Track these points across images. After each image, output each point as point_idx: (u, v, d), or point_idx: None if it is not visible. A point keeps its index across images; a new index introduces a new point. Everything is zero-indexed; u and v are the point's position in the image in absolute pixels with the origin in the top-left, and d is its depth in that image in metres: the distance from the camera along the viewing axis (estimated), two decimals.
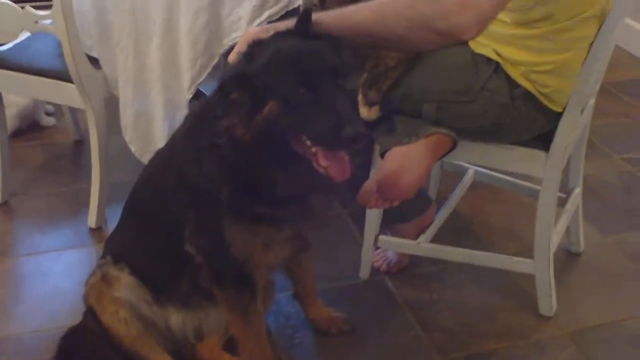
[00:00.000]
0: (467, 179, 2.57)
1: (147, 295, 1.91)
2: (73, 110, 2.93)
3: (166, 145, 1.89)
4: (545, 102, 1.94)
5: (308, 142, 1.54)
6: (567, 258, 2.45)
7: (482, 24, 1.62)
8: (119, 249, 1.96)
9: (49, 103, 3.14)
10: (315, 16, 1.63)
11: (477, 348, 2.10)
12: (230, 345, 1.99)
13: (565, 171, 2.35)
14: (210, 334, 2.00)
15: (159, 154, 1.91)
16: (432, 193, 2.64)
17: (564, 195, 2.36)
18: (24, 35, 2.60)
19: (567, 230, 2.44)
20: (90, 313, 1.91)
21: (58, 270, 2.33)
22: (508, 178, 2.50)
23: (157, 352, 1.91)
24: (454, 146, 2.00)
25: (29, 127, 3.07)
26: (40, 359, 1.95)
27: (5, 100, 2.65)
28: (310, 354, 2.09)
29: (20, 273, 2.37)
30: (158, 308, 1.93)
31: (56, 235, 2.51)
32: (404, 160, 1.94)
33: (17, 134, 3.02)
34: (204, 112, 1.74)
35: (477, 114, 1.94)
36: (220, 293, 1.81)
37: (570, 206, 2.33)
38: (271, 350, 1.91)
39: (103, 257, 1.98)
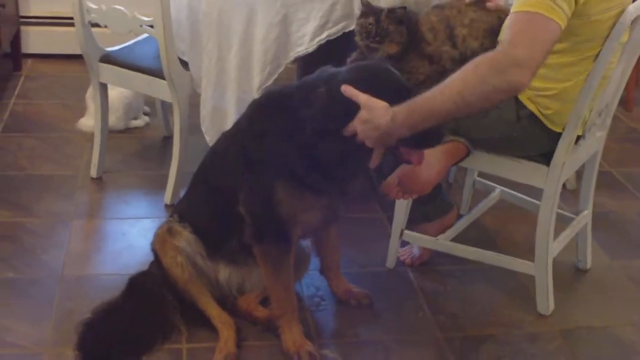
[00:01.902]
0: (494, 196, 2.91)
1: (202, 250, 2.33)
2: (165, 111, 3.42)
3: (232, 127, 2.33)
4: (547, 123, 2.29)
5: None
6: (573, 273, 2.75)
7: (533, 76, 1.99)
8: (185, 210, 2.40)
9: (146, 104, 3.65)
10: (392, 114, 1.96)
11: (474, 332, 2.43)
12: (264, 304, 2.39)
13: (577, 195, 2.70)
14: (251, 291, 2.40)
15: (225, 133, 2.35)
16: (463, 208, 2.99)
17: (573, 216, 2.69)
18: (132, 40, 3.11)
19: (576, 248, 2.75)
20: (154, 256, 2.35)
21: (134, 233, 2.78)
22: (533, 200, 2.82)
23: (205, 295, 2.31)
24: (468, 154, 2.37)
25: None
26: (111, 294, 2.37)
27: (110, 102, 3.20)
28: (330, 318, 2.47)
29: (104, 231, 2.85)
30: (210, 262, 2.34)
31: (137, 206, 3.00)
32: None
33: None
34: (265, 100, 2.22)
35: (488, 127, 2.31)
36: (259, 247, 2.21)
37: (576, 223, 2.64)
38: (296, 305, 2.29)
39: (171, 215, 2.42)
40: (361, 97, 1.99)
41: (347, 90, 2.00)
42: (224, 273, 2.36)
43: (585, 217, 2.69)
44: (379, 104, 1.98)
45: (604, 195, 3.20)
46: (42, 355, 2.19)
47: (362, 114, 1.99)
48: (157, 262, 2.34)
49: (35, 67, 4.16)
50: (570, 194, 3.18)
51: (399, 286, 2.62)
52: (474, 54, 2.37)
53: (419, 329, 2.42)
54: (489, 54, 2.02)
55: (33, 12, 4.17)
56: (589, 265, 2.77)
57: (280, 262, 2.22)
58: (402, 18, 2.37)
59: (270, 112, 2.16)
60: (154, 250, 2.35)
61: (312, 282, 2.57)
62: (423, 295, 2.57)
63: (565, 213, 2.71)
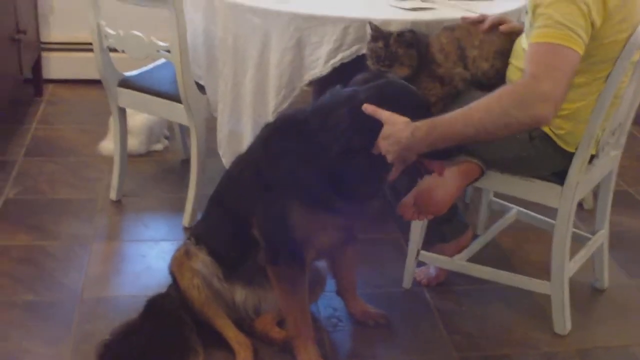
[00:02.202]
0: (510, 216, 2.92)
1: (218, 272, 2.36)
2: (183, 134, 3.47)
3: (246, 150, 2.36)
4: (560, 143, 2.30)
5: None
6: (591, 292, 2.75)
7: (557, 110, 2.04)
8: (201, 232, 2.43)
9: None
10: (412, 129, 2.02)
11: (491, 351, 2.43)
12: (281, 325, 2.40)
13: (594, 215, 2.70)
14: (267, 312, 2.42)
15: (239, 157, 2.38)
16: (479, 228, 3.00)
17: (590, 236, 2.69)
18: (150, 65, 3.16)
19: (593, 268, 2.75)
20: (172, 279, 2.38)
21: (153, 255, 2.81)
22: (549, 220, 2.83)
23: (221, 317, 2.34)
24: (482, 174, 2.39)
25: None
26: (129, 316, 2.39)
27: (134, 127, 3.26)
28: (347, 338, 2.48)
29: (123, 253, 2.88)
30: (226, 284, 2.37)
31: (155, 228, 3.03)
32: (438, 181, 2.33)
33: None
34: (279, 123, 2.26)
35: (501, 147, 2.32)
36: (273, 268, 2.24)
37: (592, 243, 2.64)
38: (312, 326, 2.30)
39: (188, 238, 2.45)
40: (383, 114, 2.04)
41: (369, 108, 2.04)
42: (240, 294, 2.38)
43: (602, 236, 2.69)
44: (400, 119, 2.04)
45: (622, 214, 3.20)
46: None
47: (385, 130, 2.03)
48: (174, 284, 2.37)
49: (56, 92, 4.23)
50: (587, 214, 3.18)
51: (415, 306, 2.63)
52: (485, 75, 2.42)
53: (436, 349, 2.43)
54: (513, 86, 2.08)
55: (54, 38, 4.25)
56: (606, 285, 2.76)
57: (295, 283, 2.24)
58: (412, 41, 2.40)
59: (284, 135, 2.19)
60: (171, 273, 2.38)
61: (329, 303, 2.59)
62: (439, 315, 2.58)
63: (582, 233, 2.72)
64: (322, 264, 2.50)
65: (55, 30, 4.25)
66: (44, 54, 4.21)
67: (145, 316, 2.35)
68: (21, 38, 3.63)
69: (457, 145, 2.09)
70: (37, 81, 4.16)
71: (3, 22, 3.48)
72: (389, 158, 2.05)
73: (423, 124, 2.03)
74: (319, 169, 2.10)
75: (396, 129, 2.02)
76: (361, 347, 2.43)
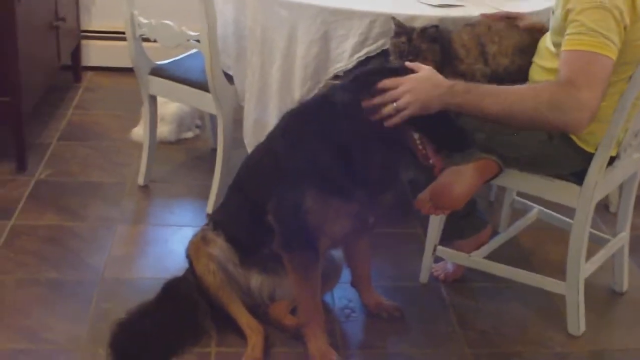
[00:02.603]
0: (531, 215, 2.92)
1: (235, 257, 2.40)
2: (213, 124, 3.51)
3: (265, 137, 2.40)
4: (579, 143, 2.30)
5: (418, 141, 2.09)
6: (609, 295, 2.73)
7: (591, 119, 2.09)
8: (220, 219, 2.47)
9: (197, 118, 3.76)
10: (445, 93, 2.08)
11: (503, 349, 2.43)
12: (294, 313, 2.43)
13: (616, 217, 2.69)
14: (282, 298, 2.45)
15: (259, 144, 2.42)
16: (502, 227, 3.00)
17: (610, 237, 2.68)
18: (181, 55, 3.22)
19: (612, 271, 2.73)
20: (188, 263, 2.43)
21: (175, 240, 2.86)
22: (570, 220, 2.80)
23: (235, 302, 2.37)
24: (499, 171, 2.39)
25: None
26: (147, 297, 2.43)
27: (166, 115, 3.35)
28: (359, 329, 2.51)
29: (147, 237, 2.95)
30: (242, 270, 2.41)
31: (180, 214, 3.09)
32: (455, 177, 2.34)
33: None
34: (297, 110, 2.29)
35: (520, 145, 2.33)
36: (287, 255, 2.27)
37: (612, 245, 2.62)
38: (323, 314, 2.32)
39: (207, 224, 2.49)
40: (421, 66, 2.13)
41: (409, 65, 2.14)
42: (255, 280, 2.42)
43: (622, 239, 2.67)
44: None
45: None
46: (75, 352, 2.27)
47: (426, 71, 2.11)
48: (191, 268, 2.42)
49: (94, 80, 4.32)
50: (612, 216, 3.15)
51: (430, 301, 2.65)
52: (506, 71, 2.43)
53: (448, 344, 2.44)
54: (552, 87, 2.10)
55: (94, 27, 4.34)
56: (625, 288, 2.74)
57: (308, 271, 2.27)
58: (435, 36, 2.41)
59: (301, 120, 2.23)
60: (188, 257, 2.42)
61: (344, 294, 2.61)
62: (454, 311, 2.59)
63: (602, 234, 2.71)
64: (338, 254, 2.53)
65: (95, 19, 4.35)
66: (84, 42, 4.31)
67: (161, 298, 2.40)
68: (60, 25, 3.71)
69: (461, 137, 2.12)
70: (76, 68, 4.25)
71: (43, 9, 3.56)
72: (407, 110, 2.05)
73: (462, 83, 2.11)
74: (337, 155, 2.13)
75: (437, 76, 2.10)
76: (372, 339, 2.46)
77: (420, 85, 2.08)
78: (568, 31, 2.11)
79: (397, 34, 2.46)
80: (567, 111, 2.05)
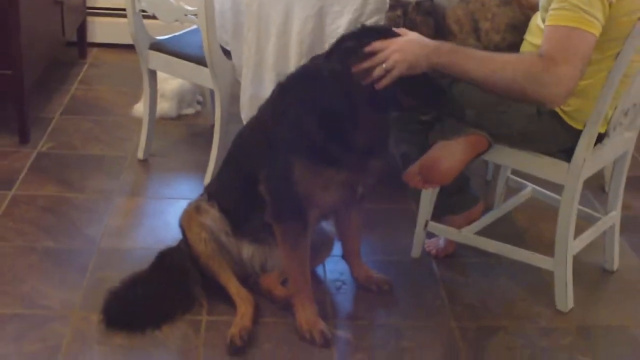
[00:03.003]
0: (524, 193, 2.94)
1: (227, 227, 2.44)
2: (213, 100, 3.53)
3: (258, 110, 2.43)
4: (567, 119, 2.32)
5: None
6: (600, 273, 2.75)
7: (568, 95, 2.13)
8: (214, 190, 2.51)
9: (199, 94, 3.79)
10: (431, 52, 2.12)
11: (489, 322, 2.46)
12: (285, 285, 2.47)
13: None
14: (273, 269, 2.49)
15: (252, 117, 2.46)
16: (496, 205, 3.01)
17: (600, 216, 2.70)
18: (181, 31, 3.26)
19: (603, 249, 2.76)
20: (181, 232, 2.47)
21: (172, 212, 2.87)
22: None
23: (225, 271, 2.42)
24: (489, 147, 2.42)
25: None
26: (141, 266, 2.48)
27: (167, 91, 3.41)
28: (349, 301, 2.55)
29: (144, 209, 2.99)
30: (234, 239, 2.45)
31: (177, 188, 3.13)
32: (444, 151, 2.37)
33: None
34: (286, 80, 2.32)
35: (509, 122, 2.35)
36: (278, 226, 2.31)
37: (601, 223, 2.64)
38: (311, 285, 2.36)
39: (202, 194, 2.54)
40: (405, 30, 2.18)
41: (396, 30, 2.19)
42: (247, 251, 2.46)
43: (613, 218, 2.69)
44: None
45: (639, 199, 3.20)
46: (68, 317, 2.32)
47: (413, 35, 2.15)
48: (183, 237, 2.46)
49: (99, 56, 4.36)
50: (607, 197, 3.17)
51: (421, 275, 2.68)
52: (497, 48, 2.45)
53: (435, 317, 2.47)
54: (531, 60, 2.12)
55: (100, 4, 4.38)
56: (615, 267, 2.76)
57: (297, 242, 2.31)
58: (430, 10, 2.43)
59: (289, 90, 2.27)
60: (181, 226, 2.47)
61: (335, 267, 2.65)
62: (443, 286, 2.62)
63: (594, 213, 2.73)
64: (330, 227, 2.57)
65: None
66: (90, 19, 4.34)
67: (154, 267, 2.45)
68: (64, 1, 3.75)
69: (439, 96, 2.21)
70: (81, 44, 4.29)
71: None
72: (396, 70, 2.08)
73: (448, 44, 2.17)
74: (324, 123, 2.17)
75: (423, 38, 2.14)
76: (361, 310, 2.50)
77: (407, 45, 2.11)
78: (551, 6, 2.13)
79: (392, 7, 2.48)
80: (544, 85, 2.07)
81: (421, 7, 2.44)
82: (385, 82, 2.09)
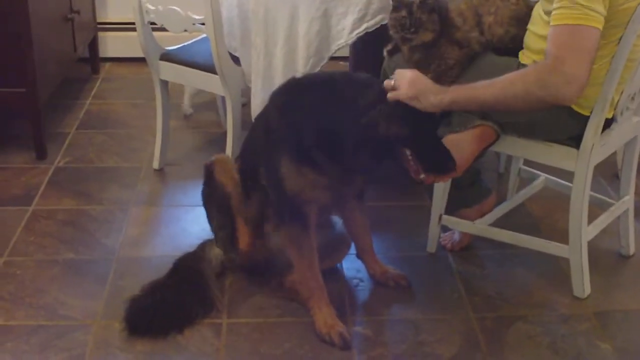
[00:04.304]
0: (537, 183, 2.95)
1: None
2: (226, 107, 3.58)
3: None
4: (574, 107, 2.32)
5: (410, 157, 2.18)
6: (616, 259, 2.76)
7: (582, 91, 2.17)
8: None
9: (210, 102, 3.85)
10: (449, 91, 2.20)
11: (507, 312, 2.48)
12: None
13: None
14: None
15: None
16: (509, 196, 3.03)
17: (613, 202, 2.71)
18: (190, 40, 3.30)
19: (619, 235, 2.76)
20: (206, 174, 2.58)
21: (188, 219, 2.94)
22: None
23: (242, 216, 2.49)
24: (497, 138, 2.43)
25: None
26: (160, 273, 2.52)
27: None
28: (366, 297, 2.57)
29: (161, 217, 3.03)
30: None
31: (193, 195, 3.07)
32: (453, 145, 2.37)
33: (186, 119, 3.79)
34: (288, 83, 2.40)
35: (516, 111, 2.37)
36: (283, 227, 2.36)
37: (615, 209, 2.65)
38: (324, 286, 2.37)
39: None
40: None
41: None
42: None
43: (627, 202, 2.70)
44: (428, 81, 2.24)
45: None
46: (90, 326, 2.36)
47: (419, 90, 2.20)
48: (209, 179, 2.56)
49: (112, 70, 4.42)
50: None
51: (437, 269, 2.70)
52: (501, 41, 2.47)
53: (452, 309, 2.49)
54: (537, 67, 2.17)
55: (110, 19, 4.44)
56: (632, 252, 2.77)
57: (301, 242, 2.34)
58: (433, 6, 2.45)
59: (291, 90, 2.33)
60: (208, 168, 2.56)
61: (352, 265, 2.67)
62: (460, 278, 2.64)
63: (607, 199, 2.74)
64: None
65: (111, 11, 4.45)
66: (101, 34, 4.40)
67: (172, 273, 2.48)
68: (74, 18, 3.80)
69: (445, 159, 2.22)
70: (93, 60, 4.35)
71: (57, 2, 3.66)
72: (403, 92, 2.18)
73: (451, 92, 2.19)
74: (322, 135, 2.21)
75: (426, 97, 2.18)
76: (379, 306, 2.52)
77: (420, 78, 2.20)
78: (553, 7, 2.16)
79: (396, 9, 2.50)
80: (557, 86, 2.11)
81: (425, 4, 2.45)
82: (390, 96, 2.16)
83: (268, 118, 2.35)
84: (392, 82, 2.21)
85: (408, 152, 2.18)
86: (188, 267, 2.50)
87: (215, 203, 2.53)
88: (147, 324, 2.33)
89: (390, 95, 2.17)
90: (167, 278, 2.46)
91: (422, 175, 2.21)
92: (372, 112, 2.13)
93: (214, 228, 2.60)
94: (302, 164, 2.24)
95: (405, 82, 2.19)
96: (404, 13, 2.48)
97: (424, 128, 2.19)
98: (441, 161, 2.21)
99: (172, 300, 2.38)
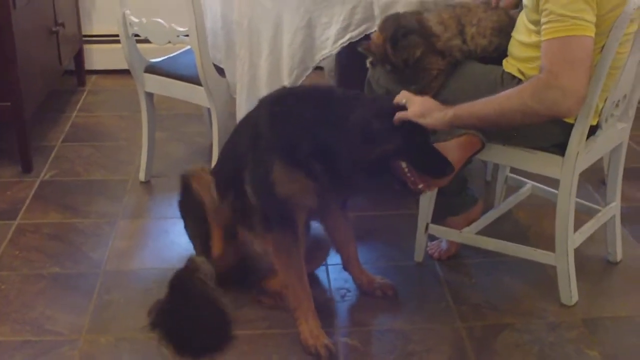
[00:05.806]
0: (524, 191, 2.95)
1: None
2: (211, 119, 3.58)
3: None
4: None
5: (406, 169, 2.19)
6: (604, 265, 2.76)
7: (581, 103, 2.17)
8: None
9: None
10: (452, 107, 2.21)
11: (495, 320, 2.47)
12: None
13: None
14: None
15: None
16: (496, 204, 3.03)
17: (600, 208, 2.71)
18: (175, 52, 3.30)
19: (606, 242, 2.77)
20: (182, 185, 2.56)
21: (175, 231, 2.89)
22: None
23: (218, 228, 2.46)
24: (482, 146, 2.44)
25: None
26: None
27: None
28: (354, 308, 2.56)
29: (148, 230, 3.02)
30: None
31: None
32: None
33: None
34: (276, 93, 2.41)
35: None
36: (268, 236, 2.33)
37: (601, 215, 2.66)
38: (311, 297, 2.35)
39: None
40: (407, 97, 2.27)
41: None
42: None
43: (613, 209, 2.70)
44: (431, 102, 2.26)
45: None
46: (77, 341, 2.34)
47: (423, 111, 2.22)
48: (185, 189, 2.54)
49: (98, 82, 4.41)
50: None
51: (425, 279, 2.70)
52: (485, 51, 2.47)
53: (440, 319, 2.48)
54: (532, 82, 2.17)
55: (95, 31, 4.43)
56: (619, 258, 2.77)
57: (290, 251, 2.32)
58: (406, 31, 2.41)
59: (286, 100, 2.33)
60: (184, 178, 2.54)
61: (339, 275, 2.67)
62: (448, 287, 2.63)
63: (593, 205, 2.74)
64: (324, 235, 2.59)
65: (96, 24, 4.45)
66: (87, 47, 4.40)
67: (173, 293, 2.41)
68: (59, 30, 3.80)
69: (443, 163, 2.23)
70: (79, 72, 4.35)
71: (40, 15, 3.65)
72: (411, 109, 2.20)
73: (452, 114, 2.20)
74: (318, 147, 2.21)
75: (431, 114, 2.20)
76: (366, 316, 2.51)
77: (427, 98, 2.25)
78: (542, 21, 2.16)
79: (373, 64, 2.52)
80: (553, 101, 2.11)
81: (395, 40, 2.40)
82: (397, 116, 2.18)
83: (257, 123, 2.33)
84: (403, 100, 2.22)
85: (404, 165, 2.19)
86: (184, 287, 2.42)
87: (191, 212, 2.52)
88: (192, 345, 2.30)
89: (400, 114, 2.18)
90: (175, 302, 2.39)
91: (420, 186, 2.22)
92: (365, 130, 2.15)
93: (190, 236, 2.59)
94: (295, 169, 2.23)
95: (416, 101, 2.21)
96: (387, 67, 2.47)
97: (415, 137, 2.19)
98: (438, 164, 2.22)
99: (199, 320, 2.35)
